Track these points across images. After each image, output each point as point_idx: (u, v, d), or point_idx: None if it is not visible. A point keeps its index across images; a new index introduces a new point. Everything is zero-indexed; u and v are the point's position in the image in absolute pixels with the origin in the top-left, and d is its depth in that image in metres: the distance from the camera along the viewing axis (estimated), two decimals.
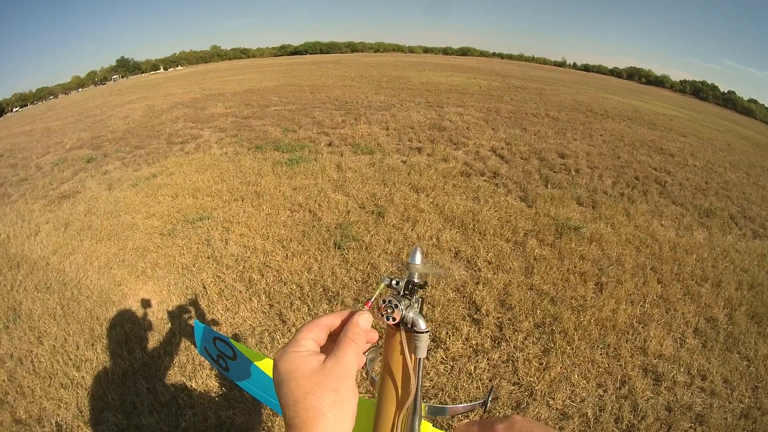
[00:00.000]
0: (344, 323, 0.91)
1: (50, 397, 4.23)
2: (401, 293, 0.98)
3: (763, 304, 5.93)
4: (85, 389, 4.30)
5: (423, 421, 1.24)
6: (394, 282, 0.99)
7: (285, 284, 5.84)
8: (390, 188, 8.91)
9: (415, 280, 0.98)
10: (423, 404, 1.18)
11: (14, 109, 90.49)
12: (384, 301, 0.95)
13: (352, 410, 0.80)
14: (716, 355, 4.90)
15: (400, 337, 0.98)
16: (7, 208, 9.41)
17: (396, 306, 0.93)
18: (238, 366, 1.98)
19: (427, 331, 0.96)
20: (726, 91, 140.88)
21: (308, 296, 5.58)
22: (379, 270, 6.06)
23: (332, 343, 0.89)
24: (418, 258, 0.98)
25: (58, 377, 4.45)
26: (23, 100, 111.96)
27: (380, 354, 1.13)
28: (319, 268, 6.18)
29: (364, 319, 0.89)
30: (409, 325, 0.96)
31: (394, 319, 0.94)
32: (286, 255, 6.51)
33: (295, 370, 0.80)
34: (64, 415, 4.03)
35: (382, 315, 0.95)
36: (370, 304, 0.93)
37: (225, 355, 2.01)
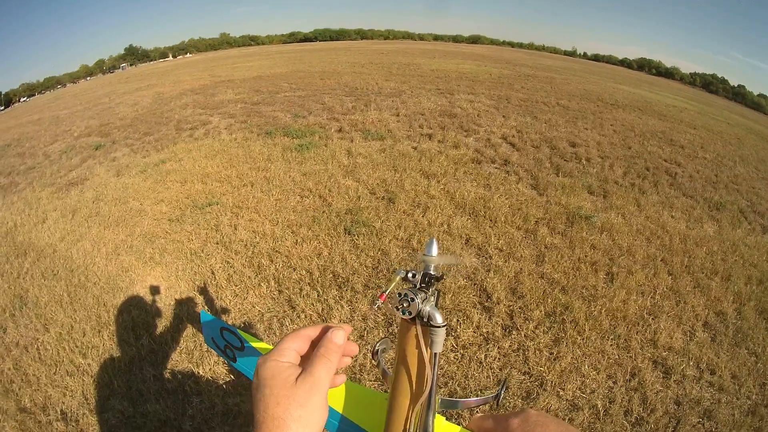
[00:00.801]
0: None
1: (56, 384, 4.24)
2: (417, 286, 0.96)
3: None
4: (91, 376, 4.31)
5: (436, 415, 1.21)
6: (410, 275, 0.97)
7: (294, 270, 5.83)
8: (401, 174, 8.89)
9: (432, 273, 0.96)
10: (437, 398, 1.15)
11: (22, 99, 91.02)
12: (399, 295, 0.92)
13: (317, 426, 0.83)
14: (725, 350, 4.88)
15: (416, 331, 0.95)
16: (15, 197, 9.44)
17: (412, 299, 0.91)
18: (246, 356, 1.96)
19: (444, 325, 0.94)
20: (736, 85, 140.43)
21: (318, 282, 5.58)
22: (389, 256, 6.05)
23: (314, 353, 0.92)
24: (434, 250, 0.95)
25: (63, 365, 4.46)
26: (31, 90, 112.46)
27: (392, 345, 1.10)
28: (329, 254, 6.18)
29: (339, 336, 0.92)
30: (425, 319, 0.94)
31: (410, 313, 0.92)
32: (296, 240, 6.51)
33: (272, 378, 0.84)
34: (70, 403, 4.04)
35: (398, 309, 0.93)
36: (384, 296, 0.91)
37: (232, 345, 1.99)
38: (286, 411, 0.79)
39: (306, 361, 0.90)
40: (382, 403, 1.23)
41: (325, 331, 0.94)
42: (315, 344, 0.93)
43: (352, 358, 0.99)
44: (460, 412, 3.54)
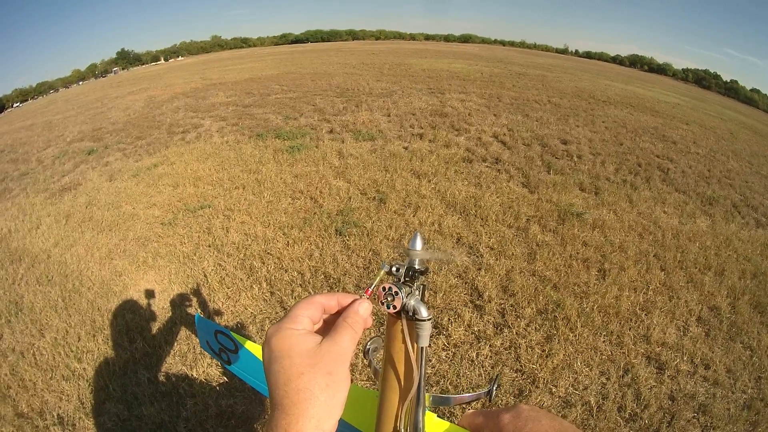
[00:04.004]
0: (340, 306, 0.90)
1: (52, 389, 4.24)
2: (402, 280, 0.95)
3: (766, 294, 5.91)
4: (87, 381, 4.30)
5: (427, 411, 1.21)
6: (394, 269, 0.95)
7: (286, 271, 5.84)
8: (391, 174, 8.91)
9: (416, 267, 0.94)
10: (427, 394, 1.15)
11: (15, 105, 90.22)
12: (384, 289, 0.91)
13: (344, 396, 0.78)
14: (719, 345, 4.89)
15: (402, 326, 0.95)
16: (9, 203, 9.40)
17: (396, 293, 0.90)
18: (240, 358, 1.96)
19: (429, 319, 0.93)
20: (728, 81, 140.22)
21: (309, 283, 5.58)
22: (380, 256, 6.06)
23: (325, 324, 0.89)
24: (419, 243, 0.94)
25: (59, 369, 4.46)
26: (24, 96, 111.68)
27: (383, 344, 1.10)
28: (321, 255, 6.18)
29: (364, 308, 0.87)
30: (410, 313, 0.93)
31: (394, 307, 0.91)
32: (287, 242, 6.51)
33: (290, 348, 0.78)
34: (66, 408, 4.03)
35: (383, 303, 0.92)
36: (369, 291, 0.90)
37: (226, 348, 1.99)
38: (311, 380, 0.73)
39: (322, 329, 0.88)
40: (372, 400, 1.22)
41: (342, 303, 0.90)
42: (327, 316, 0.90)
43: (375, 335, 0.97)
44: (452, 410, 3.54)
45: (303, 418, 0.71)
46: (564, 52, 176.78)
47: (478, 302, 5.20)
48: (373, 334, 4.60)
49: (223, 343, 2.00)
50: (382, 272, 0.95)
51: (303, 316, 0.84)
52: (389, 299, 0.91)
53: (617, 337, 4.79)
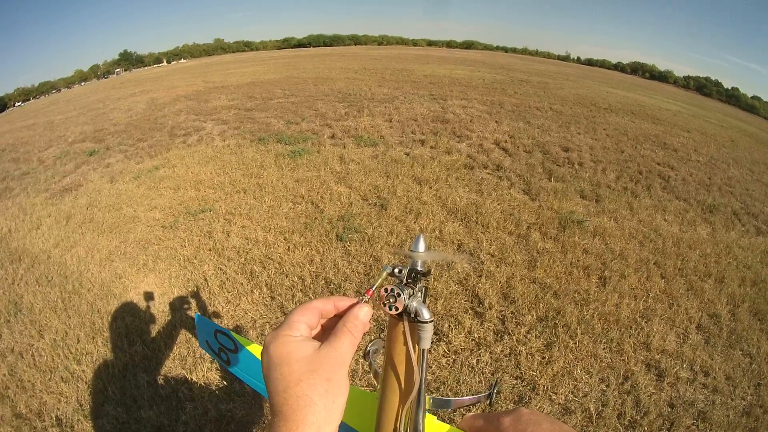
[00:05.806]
0: (338, 310, 0.90)
1: (51, 391, 4.23)
2: (404, 282, 0.95)
3: (766, 302, 5.90)
4: (86, 383, 4.29)
5: (427, 414, 1.21)
6: (396, 270, 0.96)
7: (287, 276, 5.83)
8: (393, 180, 8.89)
9: (418, 269, 0.95)
10: (427, 397, 1.15)
11: (17, 104, 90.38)
12: (386, 290, 0.92)
13: (343, 401, 0.78)
14: (719, 352, 4.87)
15: (404, 328, 0.95)
16: (9, 202, 9.41)
17: (399, 295, 0.90)
18: (240, 359, 1.97)
19: (431, 321, 0.93)
20: (730, 88, 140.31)
21: (310, 288, 5.57)
22: (381, 262, 6.05)
23: (323, 329, 0.89)
24: (422, 245, 0.95)
25: (58, 371, 4.45)
26: (26, 95, 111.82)
27: (383, 346, 1.10)
28: (321, 260, 6.17)
29: (364, 313, 0.87)
30: (412, 315, 0.93)
31: (396, 308, 0.91)
32: (288, 247, 6.50)
33: (288, 355, 0.78)
34: (65, 409, 4.02)
35: (384, 304, 0.92)
36: (371, 292, 0.91)
37: (226, 348, 1.99)
38: (310, 387, 0.74)
39: (320, 334, 0.88)
40: (372, 402, 1.22)
41: (334, 304, 0.90)
42: (325, 321, 0.91)
43: (377, 337, 0.97)
44: (452, 413, 3.54)
45: (303, 425, 0.72)
46: (566, 59, 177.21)
47: (478, 309, 5.19)
48: (373, 337, 4.61)
49: (223, 343, 2.00)
50: (384, 273, 0.95)
51: (300, 323, 0.84)
52: (391, 301, 0.91)
53: (617, 345, 4.78)
